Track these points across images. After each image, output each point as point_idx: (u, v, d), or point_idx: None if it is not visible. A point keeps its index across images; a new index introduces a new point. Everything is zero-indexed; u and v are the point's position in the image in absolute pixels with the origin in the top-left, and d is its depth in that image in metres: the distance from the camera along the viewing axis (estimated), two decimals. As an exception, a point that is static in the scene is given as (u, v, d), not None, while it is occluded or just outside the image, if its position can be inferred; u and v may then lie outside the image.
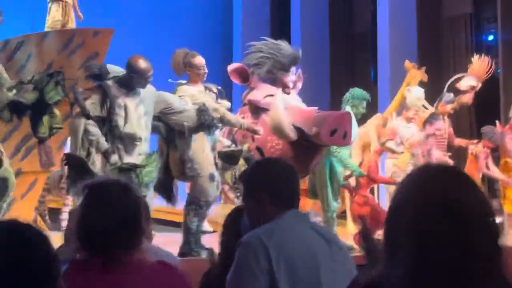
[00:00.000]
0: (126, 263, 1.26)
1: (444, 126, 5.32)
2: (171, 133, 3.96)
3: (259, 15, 10.08)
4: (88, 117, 3.53)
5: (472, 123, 7.19)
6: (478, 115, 7.11)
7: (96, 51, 5.46)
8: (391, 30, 7.75)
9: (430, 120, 4.54)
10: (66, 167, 3.86)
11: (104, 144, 3.56)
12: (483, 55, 5.63)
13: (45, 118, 3.56)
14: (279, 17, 10.40)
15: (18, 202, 5.01)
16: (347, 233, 4.84)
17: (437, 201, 0.80)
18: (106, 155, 3.59)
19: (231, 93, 4.69)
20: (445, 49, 8.22)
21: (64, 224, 6.33)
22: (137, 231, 1.28)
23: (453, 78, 5.57)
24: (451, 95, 5.36)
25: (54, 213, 6.09)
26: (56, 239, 4.29)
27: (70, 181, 3.73)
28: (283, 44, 4.28)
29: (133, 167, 3.60)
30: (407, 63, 5.97)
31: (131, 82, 3.62)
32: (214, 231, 4.79)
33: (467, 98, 5.44)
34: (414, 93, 5.26)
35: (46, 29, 5.79)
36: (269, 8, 10.31)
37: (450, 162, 4.73)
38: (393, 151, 4.42)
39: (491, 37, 8.23)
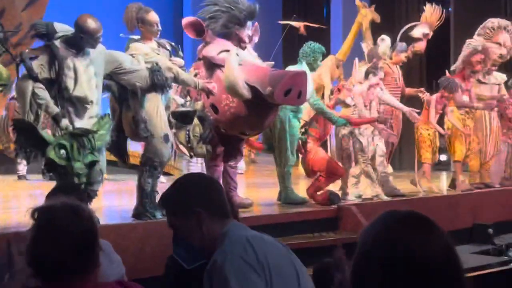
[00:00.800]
0: None
1: (398, 74, 5.40)
2: (124, 92, 3.81)
3: None
4: (35, 79, 3.37)
5: (423, 73, 7.37)
6: (429, 66, 7.27)
7: None
8: None
9: (372, 70, 4.54)
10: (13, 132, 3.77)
11: (54, 108, 3.41)
12: (434, 4, 5.65)
13: None
14: None
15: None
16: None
17: (401, 254, 0.82)
18: (56, 119, 3.45)
19: (182, 47, 4.51)
20: None
21: (21, 168, 6.37)
22: (90, 256, 1.24)
23: (405, 27, 5.60)
24: (404, 44, 5.39)
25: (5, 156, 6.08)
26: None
27: (19, 147, 3.63)
28: None
29: (85, 133, 3.47)
30: (358, 1, 5.96)
31: (81, 42, 3.44)
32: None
33: (421, 46, 5.49)
34: (387, 42, 5.25)
35: None
36: None
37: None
38: (347, 106, 4.48)
39: None
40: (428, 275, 0.82)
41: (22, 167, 6.02)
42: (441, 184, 5.65)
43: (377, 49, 5.18)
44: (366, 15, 5.82)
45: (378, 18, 5.91)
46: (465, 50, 5.33)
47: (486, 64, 5.25)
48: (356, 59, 4.75)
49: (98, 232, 1.29)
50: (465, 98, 5.05)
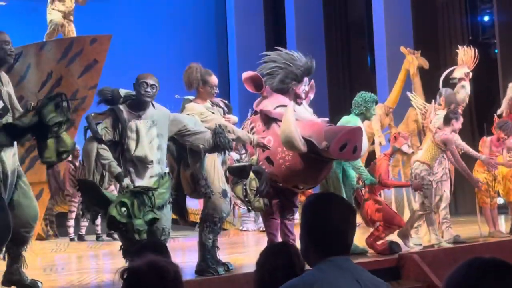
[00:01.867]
0: None
1: None
2: (182, 152, 4.01)
3: (253, 10, 10.15)
4: (100, 141, 3.61)
5: (472, 116, 7.33)
6: (477, 109, 7.24)
7: (95, 58, 5.54)
8: (386, 16, 7.84)
9: (454, 116, 4.48)
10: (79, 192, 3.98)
11: (117, 168, 3.60)
12: (469, 45, 5.70)
13: (50, 142, 3.49)
14: (273, 11, 10.52)
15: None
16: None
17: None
18: (118, 178, 3.63)
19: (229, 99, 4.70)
20: (440, 32, 8.37)
21: (71, 230, 6.66)
22: None
23: (445, 72, 5.62)
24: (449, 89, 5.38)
25: (62, 218, 6.31)
26: (63, 244, 4.41)
27: (84, 206, 3.82)
28: (296, 54, 4.33)
29: (145, 190, 3.64)
30: (403, 48, 6.04)
31: (141, 98, 3.64)
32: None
33: (464, 94, 5.38)
34: (467, 89, 5.22)
35: (45, 38, 5.92)
36: (263, 2, 10.38)
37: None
38: (404, 154, 4.47)
39: (486, 18, 8.41)
40: None
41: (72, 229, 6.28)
42: (501, 227, 5.50)
43: (455, 95, 5.17)
44: (413, 61, 5.90)
45: (426, 64, 5.97)
46: (509, 93, 5.33)
47: None
48: (433, 102, 4.78)
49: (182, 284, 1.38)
50: None
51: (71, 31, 6.07)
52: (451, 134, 4.40)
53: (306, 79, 4.26)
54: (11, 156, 3.49)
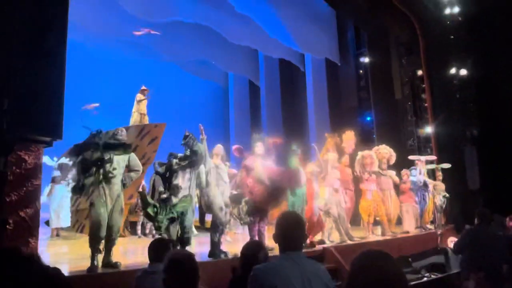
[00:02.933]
0: None
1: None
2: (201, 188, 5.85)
3: (244, 105, 16.80)
4: (158, 173, 5.36)
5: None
6: None
7: (156, 136, 8.68)
8: (316, 116, 12.64)
9: None
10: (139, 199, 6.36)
11: (161, 188, 5.24)
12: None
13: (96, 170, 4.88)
14: (255, 106, 16.87)
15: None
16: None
17: (375, 277, 1.39)
18: (159, 194, 5.22)
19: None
20: (344, 126, 12.80)
21: (139, 232, 9.33)
22: (196, 281, 2.03)
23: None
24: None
25: (133, 224, 9.27)
26: (134, 241, 7.52)
27: (142, 206, 5.38)
28: (253, 136, 6.59)
29: (164, 201, 5.15)
30: (327, 134, 8.46)
31: (192, 162, 5.37)
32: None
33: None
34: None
35: (130, 124, 9.21)
36: (249, 101, 16.63)
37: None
38: None
39: (368, 118, 13.48)
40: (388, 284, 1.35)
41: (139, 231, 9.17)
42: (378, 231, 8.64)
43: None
44: (330, 142, 8.09)
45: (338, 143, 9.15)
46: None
47: None
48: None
49: (198, 269, 2.07)
50: None
51: (146, 120, 9.49)
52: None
53: (259, 143, 6.38)
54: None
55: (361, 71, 14.45)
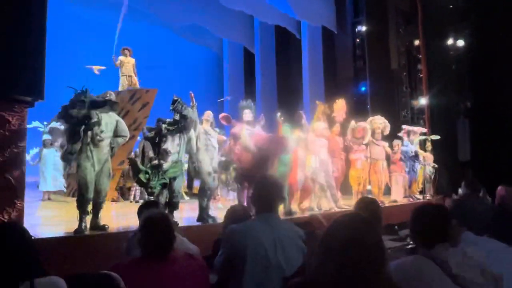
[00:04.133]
0: (168, 258, 2.01)
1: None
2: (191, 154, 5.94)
3: (238, 73, 16.84)
4: (147, 139, 5.42)
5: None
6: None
7: (147, 101, 8.69)
8: (310, 85, 12.68)
9: None
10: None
11: (151, 154, 5.31)
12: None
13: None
14: (249, 74, 16.79)
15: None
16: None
17: (353, 239, 1.40)
18: (150, 160, 5.28)
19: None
20: (339, 96, 12.89)
21: (132, 197, 9.52)
22: (172, 238, 2.11)
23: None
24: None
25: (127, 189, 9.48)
26: (126, 206, 7.71)
27: (133, 172, 5.44)
28: (240, 102, 6.74)
29: (157, 166, 5.23)
30: (318, 102, 8.71)
31: (181, 127, 5.42)
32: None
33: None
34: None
35: (119, 89, 9.14)
36: (243, 69, 16.75)
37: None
38: None
39: (363, 88, 13.47)
40: (366, 247, 1.37)
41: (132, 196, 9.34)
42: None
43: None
44: (320, 110, 8.30)
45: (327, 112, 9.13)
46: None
47: None
48: None
49: (172, 228, 2.13)
50: None
51: (135, 83, 9.36)
52: None
53: (247, 110, 6.52)
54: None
55: (357, 40, 14.28)
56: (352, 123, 8.45)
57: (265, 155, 6.20)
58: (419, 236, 1.94)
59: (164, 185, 5.18)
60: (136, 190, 9.45)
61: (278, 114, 6.98)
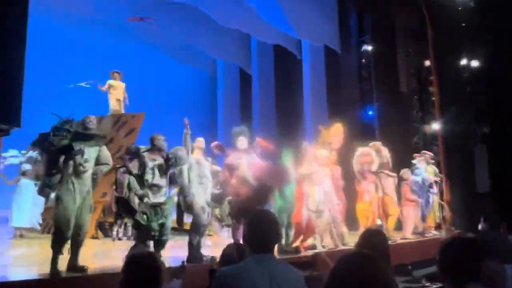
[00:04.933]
0: None
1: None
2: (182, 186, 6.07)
3: (233, 96, 17.16)
4: (131, 174, 5.49)
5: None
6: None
7: (134, 127, 8.75)
8: (313, 109, 13.21)
9: None
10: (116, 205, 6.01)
11: (140, 191, 5.40)
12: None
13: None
14: (245, 97, 17.12)
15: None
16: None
17: (361, 282, 1.44)
18: (141, 197, 5.40)
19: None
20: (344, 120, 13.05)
21: (114, 233, 9.45)
22: (159, 280, 2.11)
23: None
24: None
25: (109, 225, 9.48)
26: (107, 244, 7.61)
27: (118, 214, 6.07)
28: (234, 129, 6.84)
29: (159, 205, 5.46)
30: (321, 127, 8.83)
31: (157, 146, 5.61)
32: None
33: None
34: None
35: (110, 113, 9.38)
36: (239, 91, 17.18)
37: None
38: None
39: (370, 112, 13.82)
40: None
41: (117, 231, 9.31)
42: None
43: None
44: (325, 134, 8.35)
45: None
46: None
47: None
48: None
49: (161, 268, 2.15)
50: None
51: (121, 109, 9.48)
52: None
53: (241, 137, 6.60)
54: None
55: (363, 60, 14.53)
56: (360, 149, 8.47)
57: (265, 186, 6.20)
58: (448, 273, 1.90)
59: (162, 225, 5.28)
60: (118, 226, 9.39)
61: (257, 138, 7.05)
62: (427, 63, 13.26)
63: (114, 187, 8.34)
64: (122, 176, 5.56)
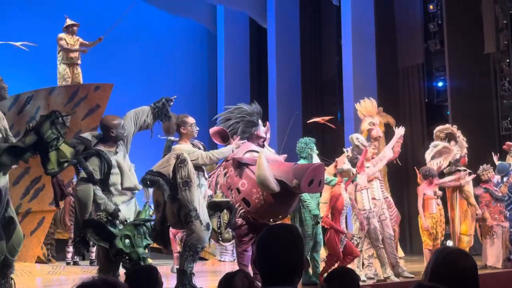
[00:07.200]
0: None
1: None
2: (172, 188, 5.90)
3: (241, 56, 16.74)
4: (95, 183, 5.29)
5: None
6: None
7: (98, 103, 8.71)
8: (354, 78, 12.92)
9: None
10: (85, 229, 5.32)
11: (111, 205, 5.27)
12: (370, 98, 8.82)
13: (52, 155, 5.00)
14: (257, 70, 16.88)
15: (28, 238, 7.79)
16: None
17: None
18: (114, 214, 5.29)
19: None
20: (401, 93, 13.48)
21: (69, 255, 9.44)
22: None
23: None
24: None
25: (61, 243, 9.50)
26: (60, 268, 7.78)
27: (83, 241, 5.37)
28: (243, 105, 6.85)
29: (144, 222, 5.44)
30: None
31: (116, 138, 5.47)
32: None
33: (375, 133, 8.35)
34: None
35: (58, 83, 9.31)
36: (249, 60, 16.78)
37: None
38: (348, 172, 7.02)
39: (440, 84, 13.88)
40: None
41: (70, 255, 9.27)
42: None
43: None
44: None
45: (392, 121, 9.05)
46: None
47: None
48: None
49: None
50: None
51: (78, 73, 9.46)
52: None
53: (260, 121, 6.73)
54: (4, 176, 5.10)
55: (431, 7, 14.34)
56: (439, 144, 8.54)
57: (289, 195, 6.26)
58: None
59: (146, 247, 5.42)
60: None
61: (267, 123, 7.09)
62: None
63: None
64: (86, 186, 5.45)
